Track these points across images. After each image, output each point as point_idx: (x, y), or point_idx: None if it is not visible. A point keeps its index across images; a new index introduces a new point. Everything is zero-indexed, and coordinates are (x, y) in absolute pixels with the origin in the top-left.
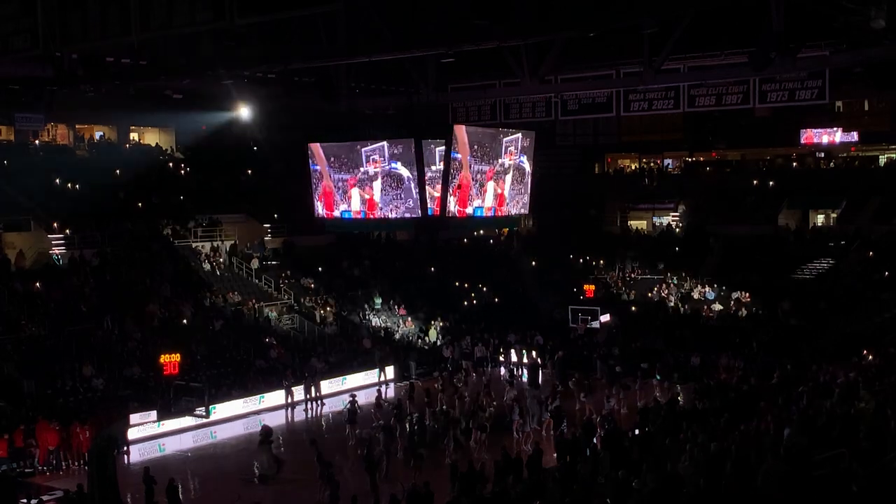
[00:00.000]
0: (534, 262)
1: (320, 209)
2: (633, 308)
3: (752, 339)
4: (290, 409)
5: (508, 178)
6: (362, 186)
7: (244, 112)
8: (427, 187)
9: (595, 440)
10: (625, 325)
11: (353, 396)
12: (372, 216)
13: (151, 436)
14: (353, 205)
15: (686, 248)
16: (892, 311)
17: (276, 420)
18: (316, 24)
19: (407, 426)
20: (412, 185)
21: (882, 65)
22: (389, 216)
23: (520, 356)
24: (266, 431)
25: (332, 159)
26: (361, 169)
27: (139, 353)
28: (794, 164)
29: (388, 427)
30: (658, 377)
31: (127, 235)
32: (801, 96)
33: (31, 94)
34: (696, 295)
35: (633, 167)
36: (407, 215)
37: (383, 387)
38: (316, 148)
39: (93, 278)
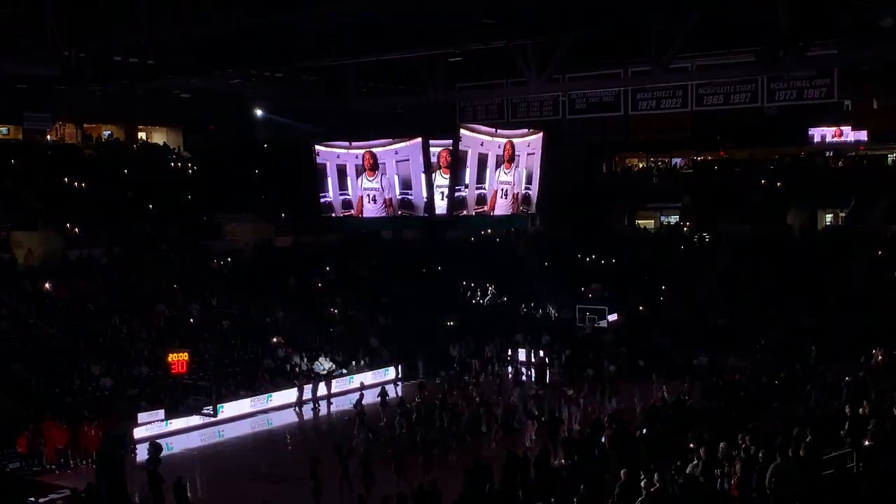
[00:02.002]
0: (541, 261)
1: (326, 207)
2: (641, 308)
3: (760, 339)
4: (298, 407)
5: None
6: (370, 184)
7: (252, 111)
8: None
9: (603, 440)
10: (633, 324)
11: (361, 397)
12: (379, 214)
13: (159, 434)
14: (361, 203)
15: (694, 247)
16: None
17: (285, 419)
18: (323, 24)
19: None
20: (420, 183)
21: (892, 63)
22: (397, 214)
23: (527, 355)
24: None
25: (337, 151)
26: (369, 167)
27: (147, 352)
28: (803, 163)
29: (371, 428)
30: (658, 377)
31: (135, 235)
32: (810, 95)
33: (39, 93)
34: None
35: (641, 166)
36: (414, 214)
37: (391, 386)
38: (323, 147)
39: (101, 278)
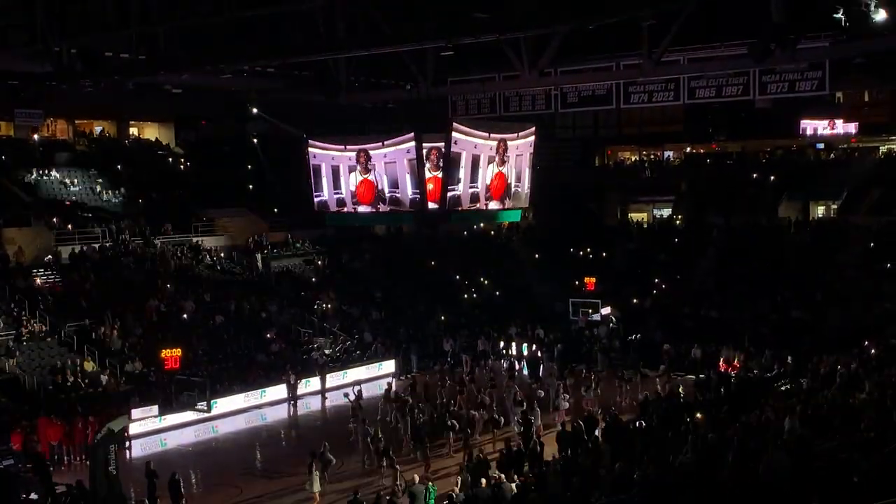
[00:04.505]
0: (534, 255)
1: (319, 203)
2: (634, 300)
3: (752, 331)
4: (290, 403)
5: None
6: (362, 180)
7: (244, 106)
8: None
9: (596, 432)
10: (626, 317)
11: (359, 392)
12: (372, 209)
13: (153, 430)
14: (353, 197)
15: (686, 240)
16: (892, 302)
17: (279, 414)
18: (315, 18)
19: (409, 419)
20: (412, 178)
21: (883, 56)
22: (390, 209)
23: (518, 348)
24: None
25: (332, 153)
26: (362, 162)
27: (140, 348)
28: (795, 155)
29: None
30: (665, 369)
31: (127, 231)
32: (801, 87)
33: (30, 89)
34: None
35: (634, 159)
36: (407, 209)
37: (390, 380)
38: (315, 142)
39: (93, 274)
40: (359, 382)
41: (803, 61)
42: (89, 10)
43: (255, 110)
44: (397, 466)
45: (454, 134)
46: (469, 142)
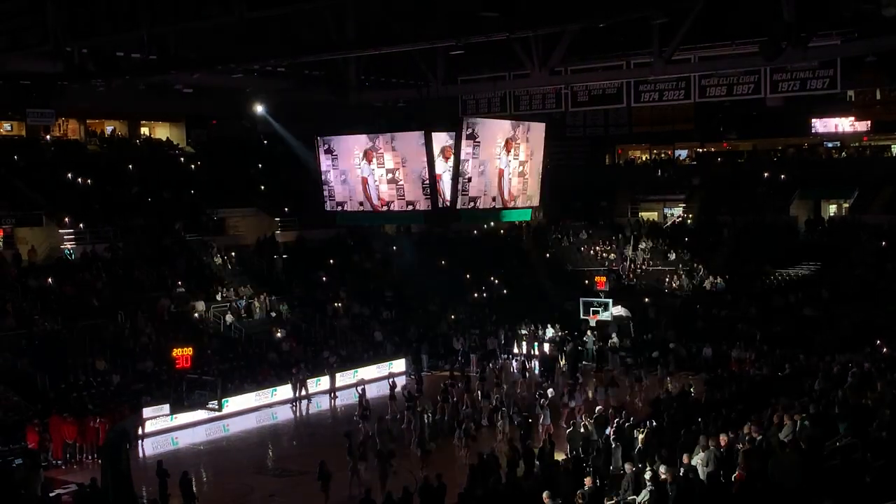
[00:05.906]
0: (544, 254)
1: (330, 202)
2: (646, 299)
3: (763, 330)
4: (298, 402)
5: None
6: (372, 178)
7: (254, 106)
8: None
9: (607, 432)
10: (636, 316)
11: (364, 390)
12: (382, 209)
13: (164, 429)
14: (362, 196)
15: (697, 238)
16: None
17: (290, 413)
18: (325, 17)
19: (423, 418)
20: (422, 177)
21: (895, 53)
22: (400, 209)
23: (528, 347)
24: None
25: (342, 151)
26: (371, 161)
27: (152, 347)
28: (806, 154)
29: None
30: (663, 368)
31: (138, 230)
32: (813, 85)
33: (41, 89)
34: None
35: (644, 158)
36: (417, 208)
37: (395, 379)
38: (326, 141)
39: (105, 273)
40: (362, 381)
41: (814, 59)
42: (99, 11)
43: (259, 108)
44: (393, 464)
45: (464, 125)
46: (478, 132)
